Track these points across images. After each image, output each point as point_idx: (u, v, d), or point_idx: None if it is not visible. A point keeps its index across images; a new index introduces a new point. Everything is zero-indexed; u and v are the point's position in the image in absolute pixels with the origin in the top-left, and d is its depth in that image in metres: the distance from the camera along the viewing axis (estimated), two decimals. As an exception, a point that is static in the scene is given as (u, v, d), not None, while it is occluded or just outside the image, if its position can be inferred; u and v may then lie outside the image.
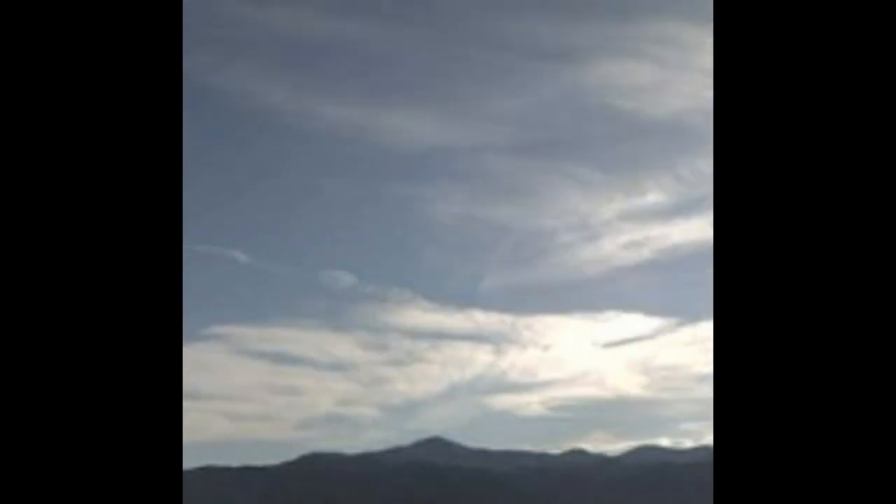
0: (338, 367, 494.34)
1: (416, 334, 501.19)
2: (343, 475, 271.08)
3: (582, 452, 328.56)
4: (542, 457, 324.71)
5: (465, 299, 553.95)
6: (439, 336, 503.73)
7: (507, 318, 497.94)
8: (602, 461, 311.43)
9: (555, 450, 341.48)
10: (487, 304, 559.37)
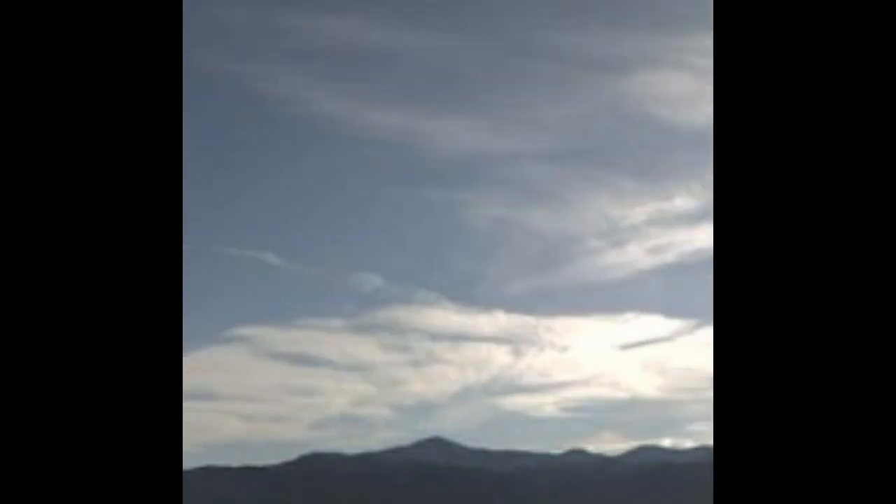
0: (356, 368, 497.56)
1: (437, 336, 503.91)
2: (343, 475, 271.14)
3: (582, 452, 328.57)
4: (542, 457, 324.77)
5: (490, 301, 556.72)
6: (460, 338, 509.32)
7: (530, 320, 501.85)
8: (602, 461, 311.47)
9: (555, 450, 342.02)
10: (511, 307, 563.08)
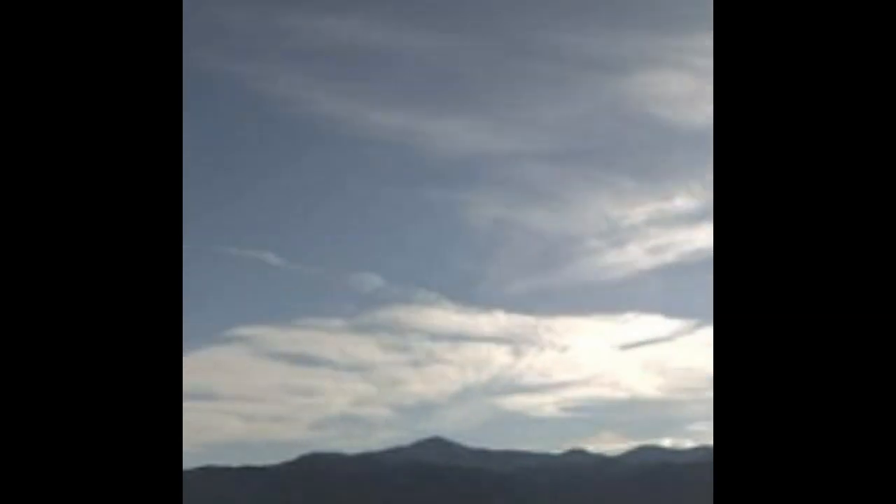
0: (356, 368, 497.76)
1: (437, 336, 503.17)
2: (343, 475, 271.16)
3: (582, 452, 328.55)
4: (542, 457, 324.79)
5: (490, 301, 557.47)
6: (460, 338, 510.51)
7: (530, 321, 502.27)
8: (602, 461, 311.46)
9: (555, 450, 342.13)
10: (511, 307, 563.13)
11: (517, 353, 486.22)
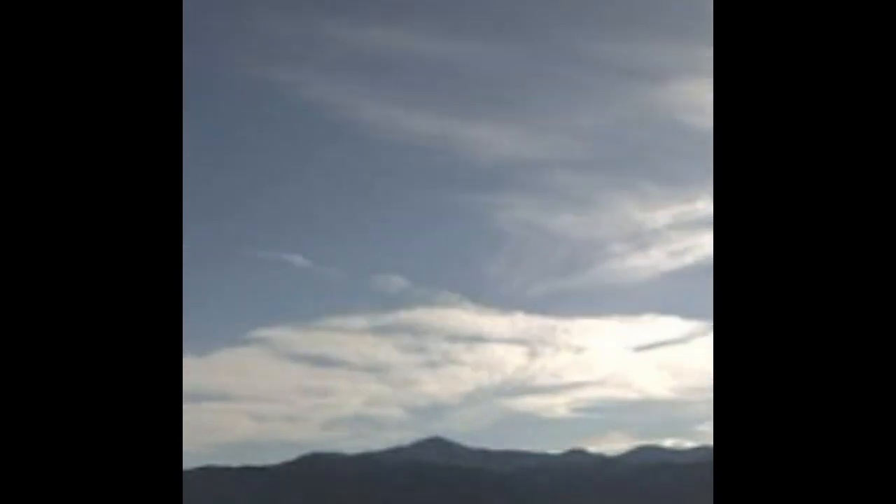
0: (373, 369, 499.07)
1: (455, 337, 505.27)
2: (343, 475, 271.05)
3: (582, 452, 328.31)
4: (542, 457, 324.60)
5: (511, 303, 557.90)
6: (477, 339, 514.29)
7: (548, 322, 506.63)
8: (602, 461, 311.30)
9: (555, 450, 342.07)
10: (531, 308, 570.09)
11: (532, 355, 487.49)
